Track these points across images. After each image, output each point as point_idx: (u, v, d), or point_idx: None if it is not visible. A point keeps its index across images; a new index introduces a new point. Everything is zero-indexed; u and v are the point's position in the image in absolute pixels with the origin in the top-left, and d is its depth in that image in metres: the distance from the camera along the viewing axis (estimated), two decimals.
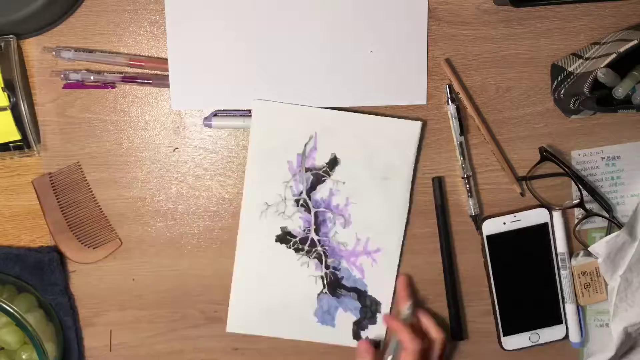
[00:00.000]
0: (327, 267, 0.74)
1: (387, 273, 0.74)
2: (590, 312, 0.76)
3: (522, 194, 0.74)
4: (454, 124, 0.72)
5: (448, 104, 0.71)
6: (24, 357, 0.70)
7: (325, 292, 0.74)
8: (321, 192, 0.72)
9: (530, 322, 0.76)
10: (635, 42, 0.63)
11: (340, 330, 0.75)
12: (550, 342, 0.76)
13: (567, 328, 0.76)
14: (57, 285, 0.72)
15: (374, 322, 0.75)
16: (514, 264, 0.74)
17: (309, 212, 0.73)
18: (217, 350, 0.76)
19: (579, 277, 0.74)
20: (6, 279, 0.72)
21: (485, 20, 0.71)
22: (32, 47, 0.70)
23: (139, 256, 0.74)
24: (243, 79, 0.70)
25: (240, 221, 0.73)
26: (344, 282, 0.74)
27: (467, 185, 0.73)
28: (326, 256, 0.73)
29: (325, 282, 0.74)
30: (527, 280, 0.75)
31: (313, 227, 0.73)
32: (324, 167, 0.72)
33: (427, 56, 0.71)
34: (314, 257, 0.73)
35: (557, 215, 0.74)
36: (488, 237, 0.74)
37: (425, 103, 0.72)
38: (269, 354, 0.76)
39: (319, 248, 0.73)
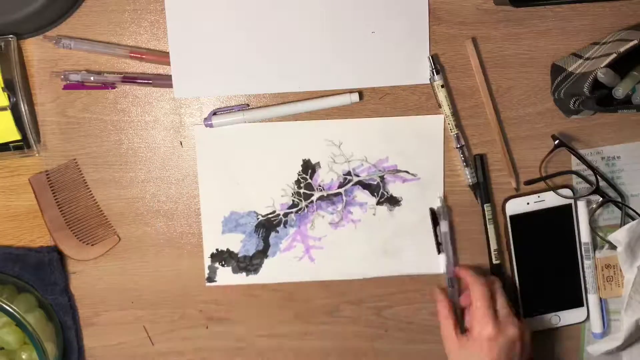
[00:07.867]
0: None
1: None
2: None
3: (517, 189, 0.74)
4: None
5: (433, 74, 0.70)
6: (24, 357, 0.70)
7: None
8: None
9: (551, 304, 0.75)
10: (635, 42, 0.63)
11: None
12: (571, 324, 0.76)
13: (588, 311, 0.75)
14: (57, 285, 0.72)
15: None
16: (537, 244, 0.74)
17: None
18: (217, 349, 0.76)
19: (602, 270, 0.74)
20: (6, 279, 0.72)
21: (485, 20, 0.71)
22: (32, 47, 0.70)
23: (139, 256, 0.74)
24: (245, 64, 0.70)
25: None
26: None
27: (462, 155, 0.73)
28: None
29: None
30: (549, 262, 0.74)
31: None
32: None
33: (430, 36, 0.71)
34: None
35: (581, 205, 0.74)
36: (511, 217, 0.73)
37: (428, 82, 0.71)
38: (269, 353, 0.77)
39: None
